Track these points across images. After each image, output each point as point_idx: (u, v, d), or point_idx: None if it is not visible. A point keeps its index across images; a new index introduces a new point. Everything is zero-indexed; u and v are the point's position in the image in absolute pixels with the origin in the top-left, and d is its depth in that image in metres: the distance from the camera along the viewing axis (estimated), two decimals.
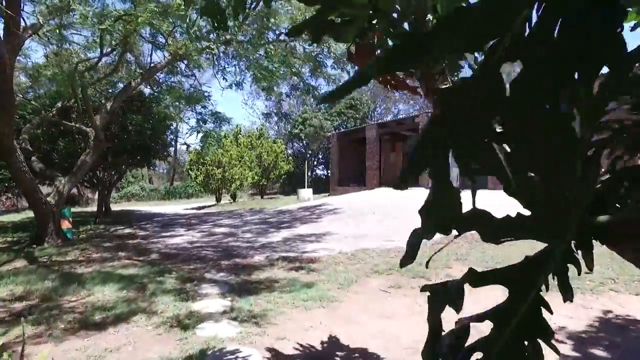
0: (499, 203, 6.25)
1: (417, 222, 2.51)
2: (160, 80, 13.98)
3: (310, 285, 5.36)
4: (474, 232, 1.25)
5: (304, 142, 37.26)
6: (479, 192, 1.79)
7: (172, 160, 50.11)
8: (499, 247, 6.94)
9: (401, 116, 34.10)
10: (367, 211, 13.84)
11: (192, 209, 24.71)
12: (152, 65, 11.44)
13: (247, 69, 9.48)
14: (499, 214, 1.25)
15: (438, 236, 2.33)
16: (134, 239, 10.72)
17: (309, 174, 35.23)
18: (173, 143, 40.78)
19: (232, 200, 26.84)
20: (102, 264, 7.13)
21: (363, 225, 11.20)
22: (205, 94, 12.55)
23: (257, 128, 32.05)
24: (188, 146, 28.30)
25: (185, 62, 12.42)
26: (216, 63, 12.50)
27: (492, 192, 13.86)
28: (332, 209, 15.93)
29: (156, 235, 11.62)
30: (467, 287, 0.85)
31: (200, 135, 10.39)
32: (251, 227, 12.51)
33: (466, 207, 1.32)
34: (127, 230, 12.74)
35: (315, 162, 39.77)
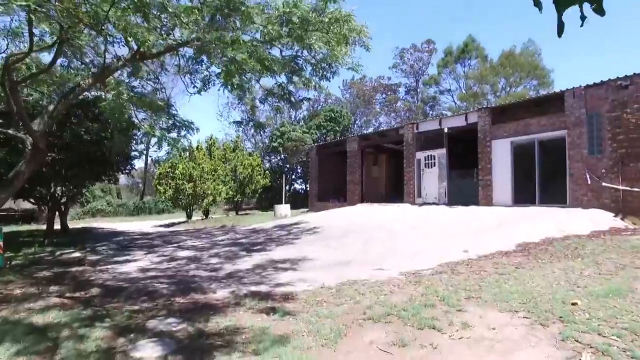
0: (482, 216, 9.40)
1: (406, 245, 5.94)
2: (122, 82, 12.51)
3: (285, 341, 4.02)
4: (479, 259, 4.49)
5: (282, 155, 35.99)
6: (470, 208, 9.89)
7: (143, 174, 47.85)
8: (516, 280, 5.79)
9: (382, 128, 33.30)
10: (350, 231, 12.58)
11: (161, 226, 22.92)
12: (107, 64, 9.97)
13: (211, 62, 8.17)
14: (483, 225, 7.66)
15: (425, 265, 5.26)
16: (79, 266, 9.11)
17: (287, 188, 33.87)
18: (142, 155, 38.84)
19: (204, 217, 25.18)
20: (17, 306, 5.58)
21: (346, 248, 9.92)
22: (168, 99, 11.10)
23: (232, 140, 30.61)
24: (157, 161, 26.53)
25: (149, 62, 11.07)
26: (183, 66, 11.19)
27: (481, 208, 12.73)
28: (311, 227, 14.62)
29: (108, 260, 10.02)
30: None
31: (155, 140, 9.01)
32: (219, 250, 11.05)
33: (450, 219, 8.84)
34: (76, 254, 11.06)
35: (293, 177, 38.48)
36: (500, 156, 14.15)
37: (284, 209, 22.56)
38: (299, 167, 37.09)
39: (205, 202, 23.71)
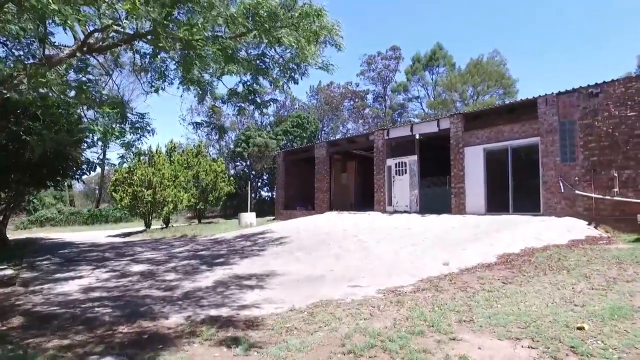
0: (456, 224, 9.79)
1: (381, 258, 6.09)
2: (70, 79, 11.27)
3: None
4: (462, 273, 4.44)
5: (248, 161, 34.89)
6: (443, 216, 12.50)
7: (99, 180, 45.19)
8: (508, 299, 5.23)
9: (351, 134, 32.91)
10: (320, 242, 11.86)
11: (116, 235, 21.28)
12: (48, 55, 8.80)
13: (167, 49, 7.27)
14: (460, 236, 8.35)
15: (405, 281, 5.42)
16: (6, 287, 7.84)
17: (252, 196, 32.78)
18: (97, 160, 36.57)
19: (164, 226, 23.69)
20: None
21: (317, 261, 9.16)
22: (122, 97, 10.03)
23: (195, 145, 29.26)
24: (101, 164, 24.82)
25: (99, 55, 10.00)
26: (138, 63, 10.17)
27: (455, 217, 12.32)
28: (278, 237, 13.77)
29: (46, 278, 8.77)
30: None
31: (98, 137, 7.99)
32: (177, 263, 10.01)
33: (424, 228, 8.53)
34: (8, 272, 9.68)
35: (259, 184, 37.41)
36: (473, 163, 13.90)
37: (249, 217, 21.55)
38: (264, 174, 36.09)
39: (165, 210, 22.29)
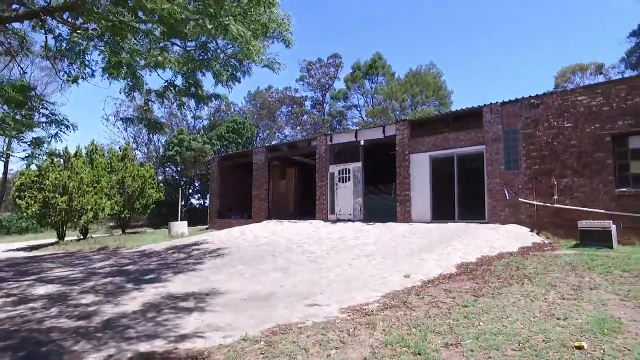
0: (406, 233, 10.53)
1: (335, 270, 6.05)
2: None
3: None
4: (426, 286, 4.80)
5: (179, 167, 32.65)
6: (390, 225, 12.66)
7: (0, 184, 39.66)
8: (487, 314, 4.74)
9: (290, 140, 32.19)
10: (263, 253, 10.89)
11: (19, 249, 18.36)
12: None
13: (86, 19, 5.99)
14: (413, 245, 8.74)
15: (368, 297, 4.83)
16: None
17: (183, 204, 30.67)
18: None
19: (81, 237, 21.00)
20: None
21: (263, 276, 8.21)
22: (29, 85, 8.39)
23: (120, 147, 26.64)
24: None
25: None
26: (52, 45, 8.57)
27: (403, 225, 11.99)
28: (215, 249, 12.54)
29: None
30: None
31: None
32: (97, 282, 8.46)
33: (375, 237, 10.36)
34: None
35: (190, 191, 35.21)
36: (419, 171, 13.82)
37: (180, 226, 19.83)
38: (196, 181, 34.02)
39: (83, 219, 19.73)
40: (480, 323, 4.56)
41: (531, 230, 10.65)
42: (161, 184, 26.02)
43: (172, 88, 8.33)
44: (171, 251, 13.03)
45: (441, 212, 13.36)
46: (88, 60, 7.97)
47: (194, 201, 36.07)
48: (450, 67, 57.80)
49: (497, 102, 11.94)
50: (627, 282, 6.12)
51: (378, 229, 12.78)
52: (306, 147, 19.00)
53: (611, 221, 9.04)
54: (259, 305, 6.02)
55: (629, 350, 3.68)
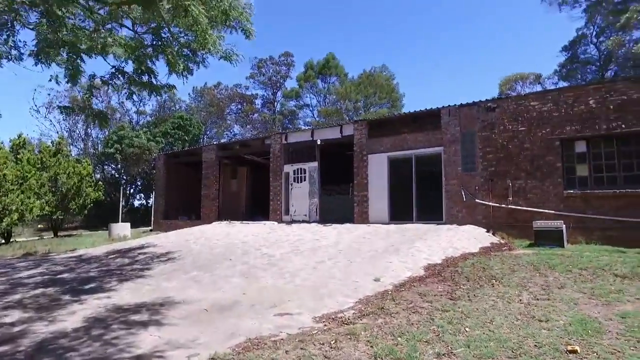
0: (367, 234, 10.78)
1: (300, 275, 6.30)
2: None
3: None
4: (399, 290, 5.10)
5: (120, 165, 30.47)
6: (348, 226, 12.61)
7: None
8: (472, 321, 4.56)
9: (238, 138, 31.18)
10: (218, 256, 10.20)
11: None
12: None
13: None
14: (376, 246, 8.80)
15: (341, 304, 5.10)
16: None
17: (124, 204, 28.67)
18: None
19: (3, 241, 18.75)
20: None
21: (222, 282, 7.59)
22: None
23: (53, 142, 24.25)
24: None
25: None
26: None
27: (357, 226, 11.77)
28: (164, 252, 11.62)
29: None
30: None
31: None
32: (25, 294, 7.37)
33: (335, 239, 10.32)
34: None
35: (132, 190, 33.04)
36: (377, 171, 13.75)
37: (122, 228, 18.37)
38: (139, 180, 31.97)
39: (6, 222, 17.59)
40: (466, 329, 4.36)
41: (487, 231, 10.90)
42: (100, 183, 24.03)
43: (120, 75, 7.45)
44: (113, 256, 11.88)
45: (399, 213, 13.38)
46: (15, 38, 6.90)
47: (136, 202, 33.93)
48: (400, 72, 59.53)
49: (455, 104, 12.14)
50: (587, 280, 6.30)
51: (337, 231, 12.52)
52: (260, 146, 18.36)
53: (562, 221, 9.44)
54: (223, 315, 5.44)
55: (619, 351, 3.64)
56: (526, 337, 4.04)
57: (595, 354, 3.60)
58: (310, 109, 36.22)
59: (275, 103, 38.16)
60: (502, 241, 10.26)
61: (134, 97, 7.85)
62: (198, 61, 9.37)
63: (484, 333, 4.21)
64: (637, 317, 4.55)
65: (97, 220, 26.95)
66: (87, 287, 7.83)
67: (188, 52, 9.28)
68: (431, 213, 12.58)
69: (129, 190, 32.13)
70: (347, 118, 28.97)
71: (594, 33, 24.18)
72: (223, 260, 9.65)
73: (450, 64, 62.25)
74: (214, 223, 17.61)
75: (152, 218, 21.91)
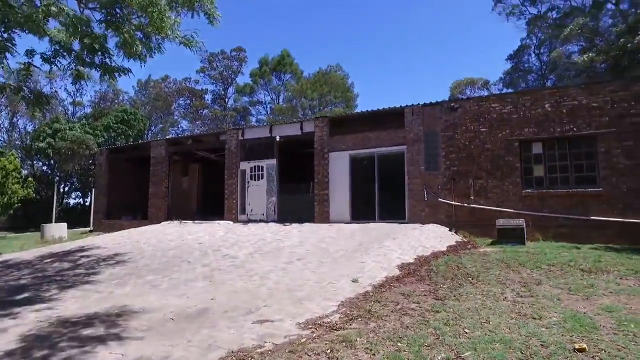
0: (332, 234, 10.44)
1: (269, 276, 6.35)
2: None
3: None
4: (379, 291, 5.16)
5: (53, 160, 27.82)
6: (309, 225, 12.35)
7: None
8: (467, 321, 4.36)
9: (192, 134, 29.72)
10: (174, 258, 9.40)
11: None
12: None
13: None
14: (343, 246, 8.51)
15: (323, 307, 4.79)
16: None
17: (59, 202, 26.23)
18: None
19: None
20: None
21: (185, 286, 6.89)
22: None
23: None
24: None
25: None
26: None
27: (318, 225, 11.52)
28: (111, 254, 10.55)
29: None
30: None
31: None
32: None
33: (299, 239, 9.99)
34: None
35: (67, 188, 30.36)
36: (338, 170, 13.51)
37: (57, 229, 16.64)
38: (75, 177, 29.40)
39: None
40: (465, 330, 4.16)
41: (450, 230, 11.02)
42: (30, 179, 21.71)
43: (65, 52, 6.48)
44: (50, 260, 10.59)
45: (361, 212, 13.23)
46: None
47: (71, 200, 31.23)
48: (354, 73, 60.22)
49: (418, 103, 12.20)
50: (559, 276, 6.42)
51: (299, 230, 12.10)
52: (214, 142, 17.47)
53: (523, 220, 9.73)
54: (194, 325, 4.84)
55: (624, 347, 3.60)
56: (528, 337, 3.90)
57: (603, 351, 3.52)
58: (264, 105, 35.43)
59: (227, 99, 36.87)
60: (465, 239, 10.40)
61: (83, 81, 6.88)
62: (152, 47, 8.56)
63: (485, 334, 4.02)
64: (621, 311, 4.62)
65: (26, 220, 24.35)
66: (19, 297, 6.78)
67: (140, 36, 8.44)
68: (394, 212, 12.55)
69: (64, 188, 29.46)
70: (303, 116, 28.59)
71: (536, 44, 25.86)
72: (181, 262, 8.88)
73: (403, 67, 64.10)
74: (163, 223, 16.47)
75: (92, 218, 20.14)
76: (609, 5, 21.15)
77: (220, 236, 12.13)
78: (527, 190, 10.68)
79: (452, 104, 11.68)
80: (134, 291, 6.73)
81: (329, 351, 3.78)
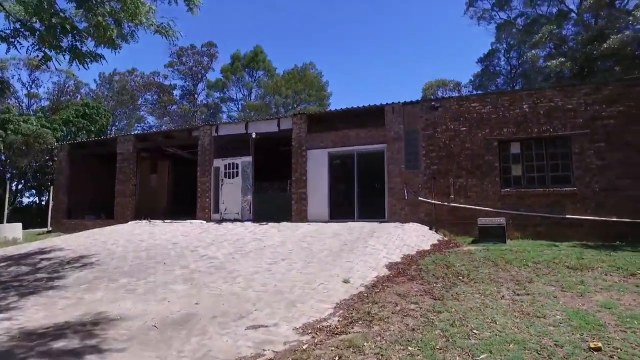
0: (313, 233, 10.27)
1: (254, 278, 6.28)
2: None
3: None
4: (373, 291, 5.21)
5: (3, 155, 25.93)
6: (283, 224, 11.94)
7: None
8: (473, 322, 4.22)
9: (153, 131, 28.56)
10: (148, 260, 8.84)
11: None
12: None
13: None
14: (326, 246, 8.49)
15: (319, 311, 4.49)
16: None
17: (11, 201, 24.49)
18: None
19: None
20: None
21: (165, 290, 6.42)
22: None
23: None
24: None
25: None
26: None
27: (297, 224, 11.18)
28: (76, 257, 9.82)
29: None
30: None
31: None
32: None
33: (280, 239, 9.70)
34: None
35: (20, 186, 28.42)
36: (317, 168, 13.25)
37: (11, 230, 15.47)
38: (29, 174, 27.55)
39: None
40: (474, 331, 4.01)
41: (430, 228, 11.01)
42: None
43: (28, 32, 5.84)
44: (4, 264, 9.71)
45: (340, 211, 13.04)
46: None
47: (25, 199, 29.26)
48: (326, 72, 60.10)
49: (399, 101, 12.14)
50: (547, 273, 6.44)
51: (277, 230, 11.74)
52: (186, 138, 16.78)
53: (504, 218, 9.83)
54: (180, 333, 4.44)
55: (638, 345, 3.54)
56: (539, 336, 3.80)
57: (619, 349, 3.45)
58: (235, 102, 34.52)
59: (196, 95, 35.71)
60: (446, 238, 10.41)
61: (50, 64, 6.23)
62: (126, 35, 7.98)
63: (494, 334, 3.88)
64: (618, 308, 4.63)
65: None
66: None
67: (111, 21, 7.85)
68: (373, 211, 12.43)
69: (17, 185, 27.55)
70: (275, 113, 28.11)
71: (505, 48, 26.66)
72: (156, 264, 8.34)
73: (376, 68, 64.67)
74: (131, 222, 15.63)
75: (50, 218, 18.87)
76: (573, 15, 22.12)
77: (196, 236, 11.59)
78: (506, 190, 10.84)
79: (432, 103, 11.70)
80: (108, 296, 6.19)
81: (337, 358, 3.52)
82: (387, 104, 12.27)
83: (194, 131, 16.43)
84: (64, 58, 6.24)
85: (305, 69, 31.91)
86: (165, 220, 15.41)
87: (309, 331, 4.31)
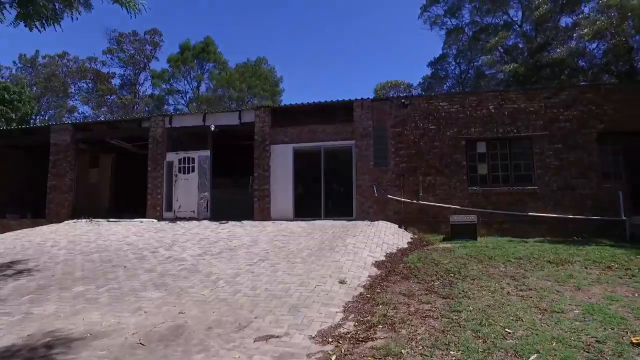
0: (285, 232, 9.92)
1: (239, 281, 5.73)
2: None
3: None
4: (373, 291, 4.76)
5: None
6: (245, 223, 11.66)
7: None
8: (506, 322, 4.02)
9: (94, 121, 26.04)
10: (103, 264, 7.80)
11: None
12: None
13: None
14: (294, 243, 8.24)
15: (327, 316, 4.10)
16: None
17: None
18: None
19: None
20: None
21: (136, 299, 5.58)
22: None
23: None
24: None
25: None
26: None
27: (261, 223, 10.66)
28: (7, 262, 8.50)
29: None
30: None
31: None
32: None
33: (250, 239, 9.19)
34: None
35: None
36: (281, 164, 12.69)
37: None
38: None
39: None
40: (507, 330, 3.83)
41: (400, 226, 10.94)
42: None
43: None
44: None
45: (305, 209, 12.57)
46: None
47: None
48: (279, 68, 58.94)
49: (368, 97, 11.97)
50: (535, 268, 6.52)
51: (243, 229, 11.04)
52: (134, 129, 15.33)
53: (475, 216, 9.99)
54: (177, 350, 3.76)
55: None
56: (574, 333, 3.70)
57: None
58: (183, 95, 32.45)
59: (138, 86, 33.18)
60: (416, 236, 10.39)
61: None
62: (75, 4, 6.93)
63: (530, 333, 3.70)
64: (622, 300, 4.69)
65: None
66: None
67: None
68: (341, 209, 12.12)
69: None
70: (229, 106, 26.87)
71: (454, 53, 27.81)
72: (114, 268, 7.35)
73: (328, 67, 64.72)
74: (68, 222, 13.94)
75: None
76: (516, 27, 23.61)
77: (151, 236, 10.54)
78: (473, 188, 11.07)
79: (402, 101, 11.66)
80: (64, 309, 5.24)
81: None
82: (356, 99, 12.04)
83: (144, 122, 15.05)
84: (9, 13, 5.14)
85: (258, 63, 30.92)
86: (110, 220, 13.95)
87: (329, 340, 3.86)
